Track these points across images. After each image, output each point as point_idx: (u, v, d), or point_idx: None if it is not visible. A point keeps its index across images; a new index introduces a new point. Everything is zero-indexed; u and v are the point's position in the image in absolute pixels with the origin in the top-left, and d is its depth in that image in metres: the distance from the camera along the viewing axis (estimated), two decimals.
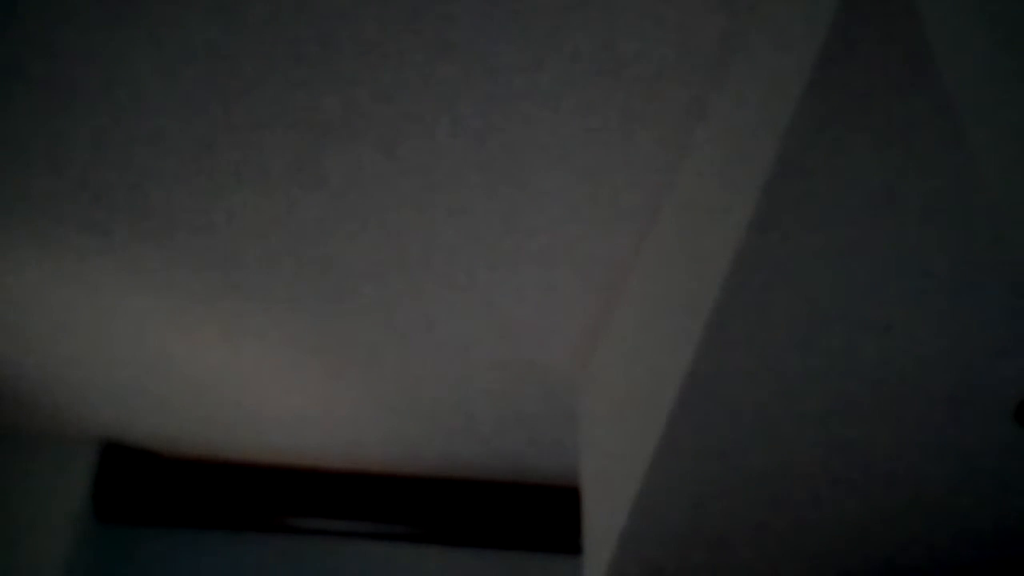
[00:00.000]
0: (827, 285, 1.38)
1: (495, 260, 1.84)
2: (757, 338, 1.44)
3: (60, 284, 1.94)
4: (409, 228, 1.79)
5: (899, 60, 1.14)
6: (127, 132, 1.65)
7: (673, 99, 1.56)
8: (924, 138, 1.21)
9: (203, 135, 1.65)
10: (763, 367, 1.49)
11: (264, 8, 1.47)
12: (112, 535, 2.32)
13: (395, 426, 2.27)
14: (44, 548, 2.18)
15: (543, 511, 2.37)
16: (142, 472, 2.34)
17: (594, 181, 1.69)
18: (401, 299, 1.93)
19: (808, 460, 1.64)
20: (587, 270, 1.85)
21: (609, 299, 1.91)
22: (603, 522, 1.81)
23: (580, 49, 1.50)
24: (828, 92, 1.17)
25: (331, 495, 2.35)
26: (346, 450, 2.34)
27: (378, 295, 1.93)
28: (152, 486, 2.33)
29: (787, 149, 1.23)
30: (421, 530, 2.35)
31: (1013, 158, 0.77)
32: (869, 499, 1.71)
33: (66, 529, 2.20)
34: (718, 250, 1.40)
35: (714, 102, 1.53)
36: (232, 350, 2.08)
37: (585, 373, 2.07)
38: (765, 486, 1.68)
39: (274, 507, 2.33)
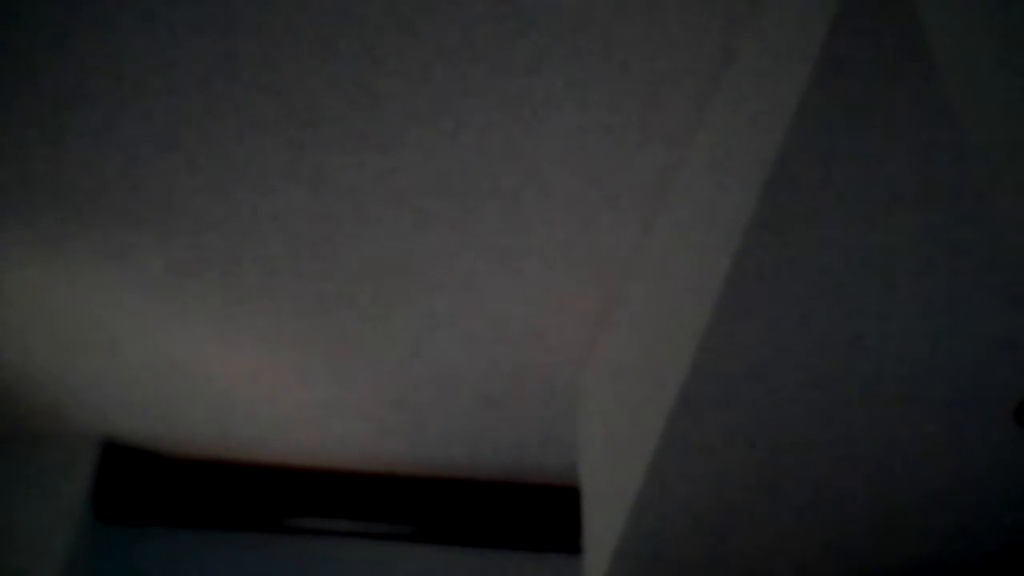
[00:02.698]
0: (827, 285, 1.38)
1: (495, 260, 1.84)
2: (756, 338, 1.44)
3: (60, 284, 1.94)
4: (409, 228, 1.79)
5: (899, 60, 1.15)
6: (127, 132, 1.65)
7: (674, 99, 1.56)
8: (924, 138, 1.21)
9: (203, 135, 1.65)
10: (762, 367, 1.49)
11: (264, 9, 1.47)
12: (112, 535, 2.32)
13: (395, 426, 2.27)
14: (44, 548, 2.18)
15: (543, 511, 2.37)
16: (142, 472, 2.34)
17: (594, 181, 1.69)
18: (401, 299, 1.93)
19: (808, 460, 1.64)
20: (587, 270, 1.85)
21: (609, 299, 1.91)
22: (603, 522, 1.81)
23: (581, 49, 1.50)
24: (828, 92, 1.18)
25: (331, 495, 2.35)
26: (347, 450, 2.34)
27: (378, 295, 1.93)
28: (152, 486, 2.33)
29: (787, 149, 1.23)
30: (421, 530, 2.35)
31: (1013, 158, 0.77)
32: (869, 499, 1.71)
33: (66, 529, 2.20)
34: (718, 250, 1.40)
35: (715, 102, 1.53)
36: (232, 350, 2.08)
37: (585, 373, 2.07)
38: (764, 486, 1.68)
39: (274, 507, 2.33)
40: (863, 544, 1.80)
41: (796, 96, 1.19)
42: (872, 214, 1.30)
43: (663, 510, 1.69)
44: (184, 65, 1.55)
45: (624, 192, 1.71)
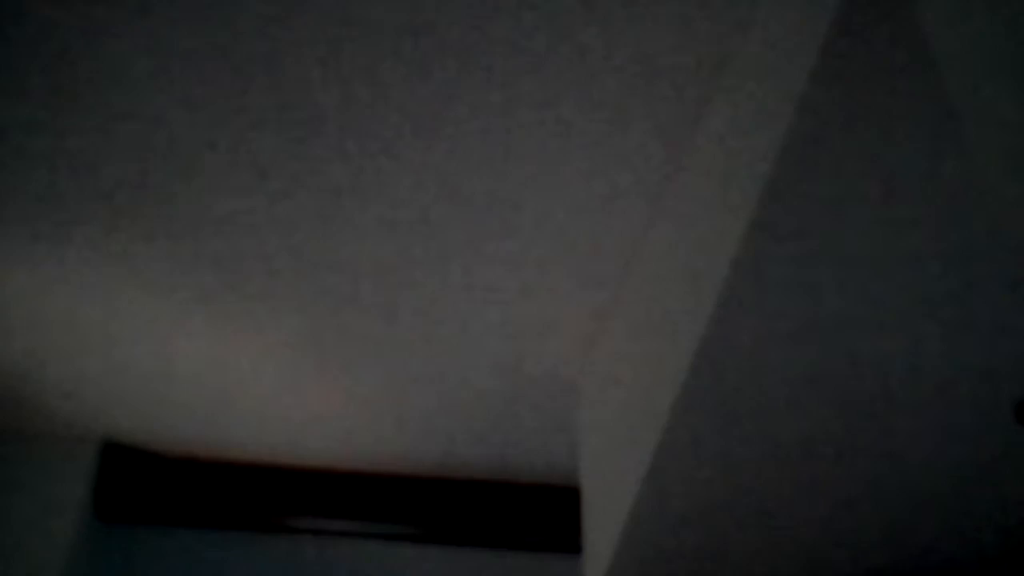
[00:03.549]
0: (827, 285, 1.38)
1: (495, 260, 1.84)
2: (757, 338, 1.44)
3: (61, 284, 1.94)
4: (409, 228, 1.79)
5: (899, 60, 1.15)
6: (127, 132, 1.65)
7: (674, 99, 1.56)
8: (924, 138, 1.21)
9: (203, 135, 1.65)
10: (763, 367, 1.49)
11: (264, 9, 1.47)
12: (112, 535, 2.32)
13: (395, 426, 2.27)
14: (44, 548, 2.18)
15: (543, 511, 2.37)
16: (142, 472, 2.34)
17: (594, 181, 1.69)
18: (401, 299, 1.93)
19: (808, 460, 1.64)
20: (587, 269, 1.85)
21: (609, 298, 1.91)
22: (603, 522, 1.81)
23: (580, 49, 1.50)
24: (828, 92, 1.18)
25: (331, 495, 2.35)
26: (346, 450, 2.34)
27: (378, 295, 1.93)
28: (152, 486, 2.33)
29: (787, 149, 1.23)
30: (421, 530, 2.35)
31: (1013, 157, 0.77)
32: (869, 499, 1.71)
33: (66, 529, 2.20)
34: (718, 250, 1.40)
35: (714, 102, 1.53)
36: (232, 350, 2.08)
37: (585, 373, 2.07)
38: (765, 486, 1.68)
39: (274, 507, 2.33)
40: (863, 544, 1.80)
41: (796, 96, 1.19)
42: (872, 215, 1.30)
43: (663, 510, 1.69)
44: (184, 65, 1.55)
45: (624, 192, 1.71)
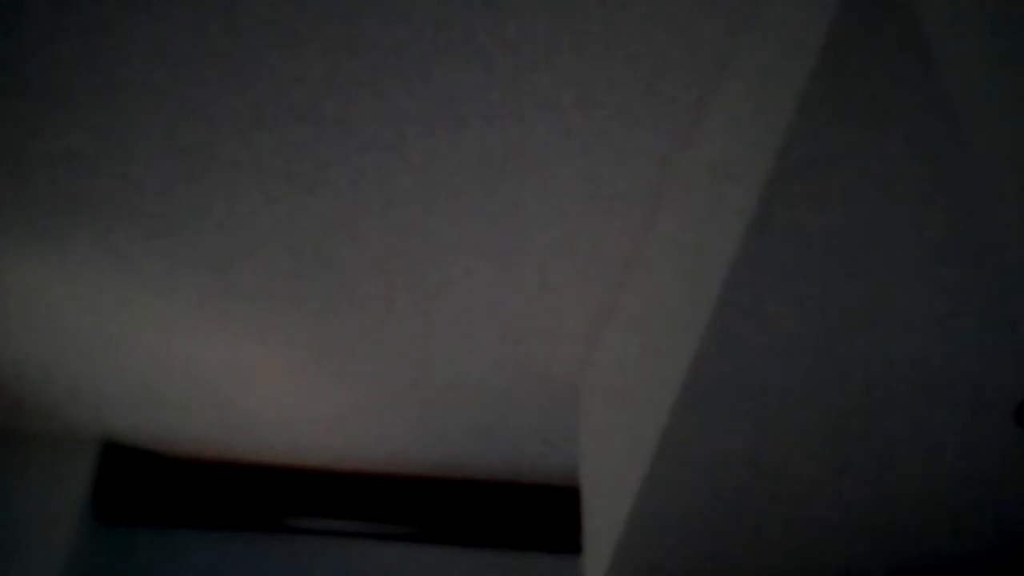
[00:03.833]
0: (826, 286, 1.38)
1: (495, 259, 1.84)
2: (756, 338, 1.44)
3: (60, 284, 1.94)
4: (409, 228, 1.79)
5: (899, 60, 1.15)
6: (127, 132, 1.65)
7: (673, 98, 1.56)
8: (924, 138, 1.21)
9: (203, 135, 1.65)
10: (763, 367, 1.49)
11: (264, 8, 1.47)
12: (112, 535, 2.32)
13: (395, 426, 2.27)
14: (44, 548, 2.18)
15: (543, 511, 2.37)
16: (142, 472, 2.34)
17: (594, 180, 1.69)
18: (401, 299, 1.93)
19: (808, 460, 1.64)
20: (587, 269, 1.85)
21: (609, 299, 1.91)
22: (603, 522, 1.81)
23: (581, 48, 1.50)
24: (828, 91, 1.18)
25: (331, 495, 2.35)
26: (346, 450, 2.34)
27: (378, 295, 1.93)
28: (152, 486, 2.33)
29: (787, 148, 1.23)
30: (421, 530, 2.35)
31: (1013, 157, 0.77)
32: (869, 499, 1.71)
33: (66, 529, 2.20)
34: (718, 250, 1.40)
35: (714, 101, 1.53)
36: (232, 350, 2.08)
37: (585, 373, 2.07)
38: (765, 486, 1.68)
39: (274, 507, 2.33)
40: (863, 544, 1.80)
41: (796, 96, 1.19)
42: (872, 215, 1.30)
43: (663, 510, 1.69)
44: (184, 65, 1.55)
45: (624, 192, 1.71)
